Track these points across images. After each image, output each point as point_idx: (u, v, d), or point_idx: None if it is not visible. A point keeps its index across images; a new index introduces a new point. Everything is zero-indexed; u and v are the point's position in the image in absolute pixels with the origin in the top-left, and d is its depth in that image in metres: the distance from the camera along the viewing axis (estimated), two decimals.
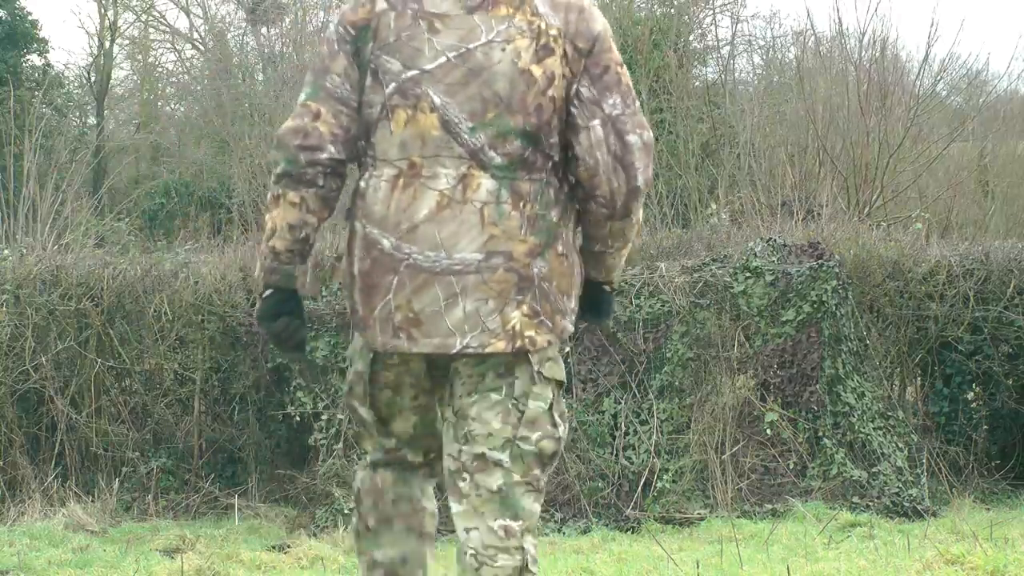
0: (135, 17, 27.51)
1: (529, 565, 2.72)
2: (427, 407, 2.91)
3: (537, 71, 2.73)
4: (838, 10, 32.35)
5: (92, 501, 7.52)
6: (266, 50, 23.83)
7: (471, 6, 2.75)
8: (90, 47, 31.85)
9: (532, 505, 2.76)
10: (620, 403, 7.61)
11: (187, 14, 27.35)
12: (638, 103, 2.83)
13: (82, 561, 6.16)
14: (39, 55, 22.83)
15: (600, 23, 2.85)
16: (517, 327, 2.72)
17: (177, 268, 8.13)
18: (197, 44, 27.46)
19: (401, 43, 2.74)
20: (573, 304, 2.84)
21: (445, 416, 2.85)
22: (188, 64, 27.61)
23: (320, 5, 23.91)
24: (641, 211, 2.88)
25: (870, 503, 7.23)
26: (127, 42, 27.83)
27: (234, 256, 8.33)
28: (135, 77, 28.30)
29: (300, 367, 7.62)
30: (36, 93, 20.25)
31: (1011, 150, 17.23)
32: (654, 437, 7.53)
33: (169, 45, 28.36)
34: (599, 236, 2.86)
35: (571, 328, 2.85)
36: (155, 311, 7.92)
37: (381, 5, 2.77)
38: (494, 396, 2.76)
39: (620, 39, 16.49)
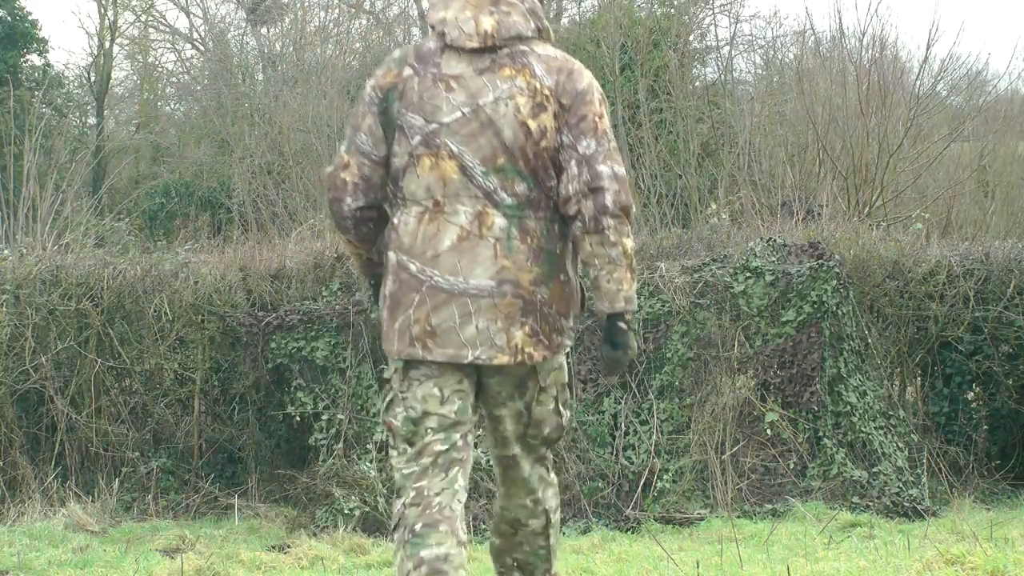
0: (135, 17, 27.52)
1: (552, 521, 3.52)
2: (463, 401, 3.34)
3: (532, 125, 3.24)
4: (838, 10, 32.44)
5: (92, 501, 7.52)
6: (266, 50, 23.83)
7: (480, 68, 3.27)
8: (90, 47, 31.87)
9: (545, 472, 3.50)
10: (620, 403, 7.61)
11: (187, 14, 27.35)
12: (614, 143, 3.28)
13: (82, 561, 6.17)
14: (39, 55, 22.83)
15: (585, 82, 3.30)
16: (519, 344, 3.25)
17: (177, 268, 8.12)
18: (197, 44, 27.46)
19: (423, 101, 3.27)
20: (571, 323, 3.37)
21: (482, 417, 3.48)
22: (188, 64, 27.61)
23: (320, 5, 23.91)
24: (626, 239, 3.25)
25: (870, 503, 7.23)
26: (127, 42, 27.83)
27: (234, 256, 8.33)
28: (135, 77, 28.29)
29: (300, 367, 7.64)
30: (36, 93, 20.27)
31: (1011, 150, 17.23)
32: (654, 437, 7.53)
33: (169, 45, 28.36)
34: (586, 257, 3.29)
35: (568, 343, 3.38)
36: (155, 311, 7.92)
37: (407, 71, 3.31)
38: (512, 405, 3.39)
39: (620, 39, 16.51)
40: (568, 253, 3.34)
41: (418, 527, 3.25)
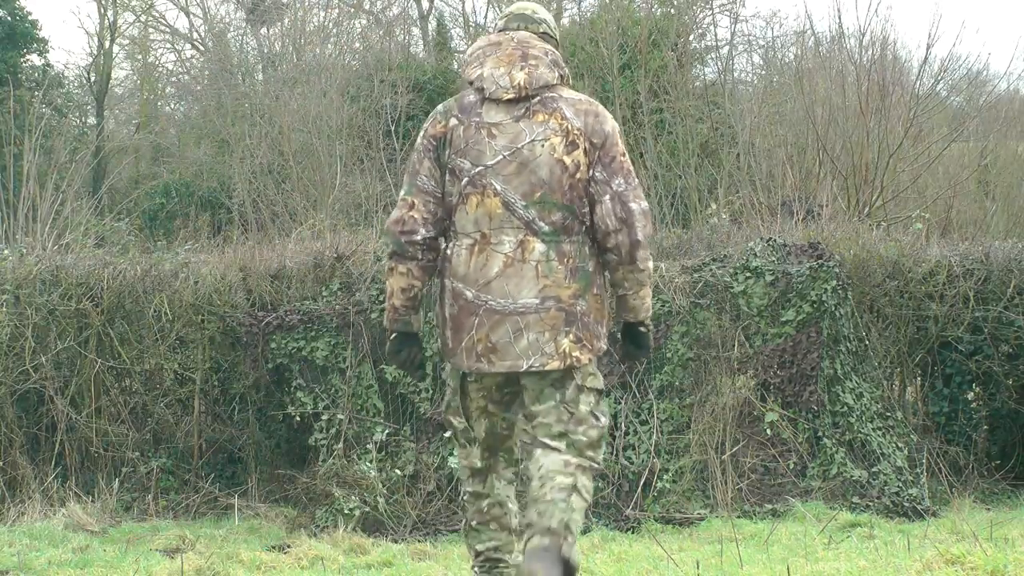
0: (135, 17, 27.51)
1: (580, 489, 3.76)
2: (494, 415, 3.95)
3: (567, 160, 3.77)
4: (838, 10, 32.41)
5: (92, 501, 7.52)
6: (266, 50, 23.83)
7: (517, 116, 3.81)
8: (90, 47, 31.87)
9: (587, 482, 3.79)
10: (620, 403, 7.61)
11: (187, 14, 27.35)
12: (637, 181, 3.84)
13: (82, 561, 6.16)
14: (39, 55, 22.82)
15: (610, 124, 3.85)
16: (566, 350, 3.76)
17: (177, 268, 8.12)
18: (197, 44, 27.46)
19: (469, 147, 3.81)
20: (604, 330, 3.86)
21: (519, 419, 3.94)
22: (188, 64, 27.62)
23: (320, 5, 23.91)
24: (650, 262, 3.85)
25: (870, 503, 7.23)
26: (127, 42, 27.83)
27: (234, 256, 8.32)
28: (135, 77, 28.29)
29: (300, 372, 7.64)
30: (36, 93, 20.26)
31: (1011, 150, 17.23)
32: (654, 437, 7.53)
33: (169, 45, 28.37)
34: (617, 281, 3.86)
35: (604, 347, 3.87)
36: (155, 311, 7.92)
37: (453, 122, 3.85)
38: (551, 402, 3.82)
39: (620, 39, 16.51)
40: (598, 270, 3.87)
41: (474, 523, 4.04)
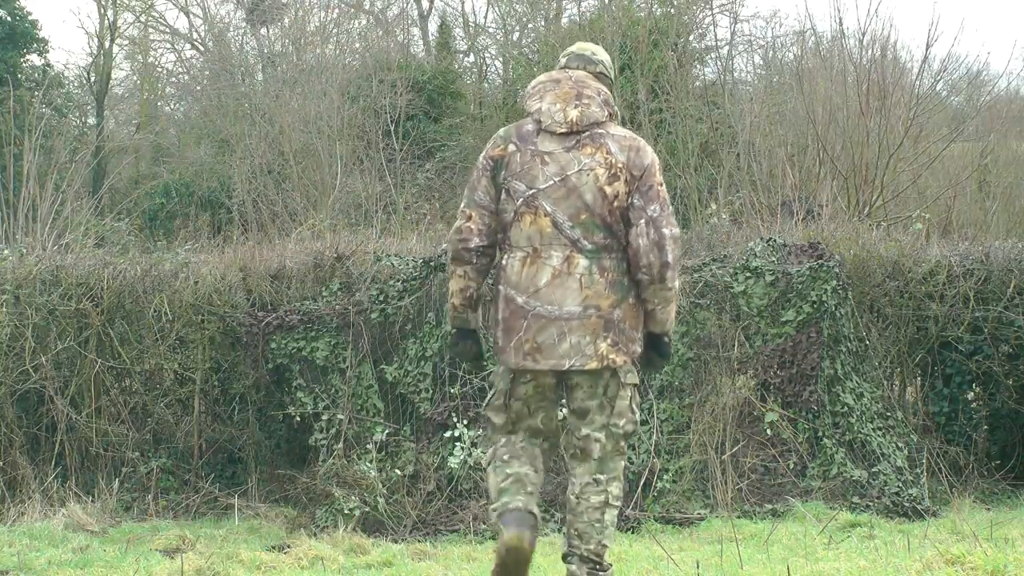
0: (135, 17, 27.52)
1: (611, 501, 4.35)
2: (548, 409, 4.41)
3: (609, 190, 4.26)
4: (838, 10, 32.43)
5: (92, 501, 7.52)
6: (266, 50, 23.83)
7: (568, 147, 4.32)
8: (90, 47, 31.88)
9: (619, 464, 4.41)
10: None
11: (187, 14, 27.35)
12: (671, 208, 4.31)
13: (82, 561, 6.17)
14: (39, 55, 22.82)
15: (649, 158, 4.33)
16: (604, 352, 4.25)
17: (177, 268, 8.12)
18: (197, 44, 27.46)
19: (524, 172, 4.32)
20: (639, 335, 4.36)
21: (569, 420, 4.42)
22: (188, 64, 27.62)
23: (320, 5, 23.91)
24: (677, 282, 4.30)
25: (870, 503, 7.23)
26: (127, 42, 27.83)
27: (234, 256, 8.32)
28: (135, 77, 28.30)
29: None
30: (36, 93, 20.26)
31: (1011, 150, 17.22)
32: (654, 437, 7.53)
33: (169, 45, 28.37)
34: (647, 297, 4.32)
35: (638, 350, 4.37)
36: (155, 311, 7.92)
37: (511, 147, 4.36)
38: (595, 400, 4.34)
39: (620, 39, 16.50)
40: (633, 285, 4.32)
41: (506, 456, 4.37)
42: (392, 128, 18.08)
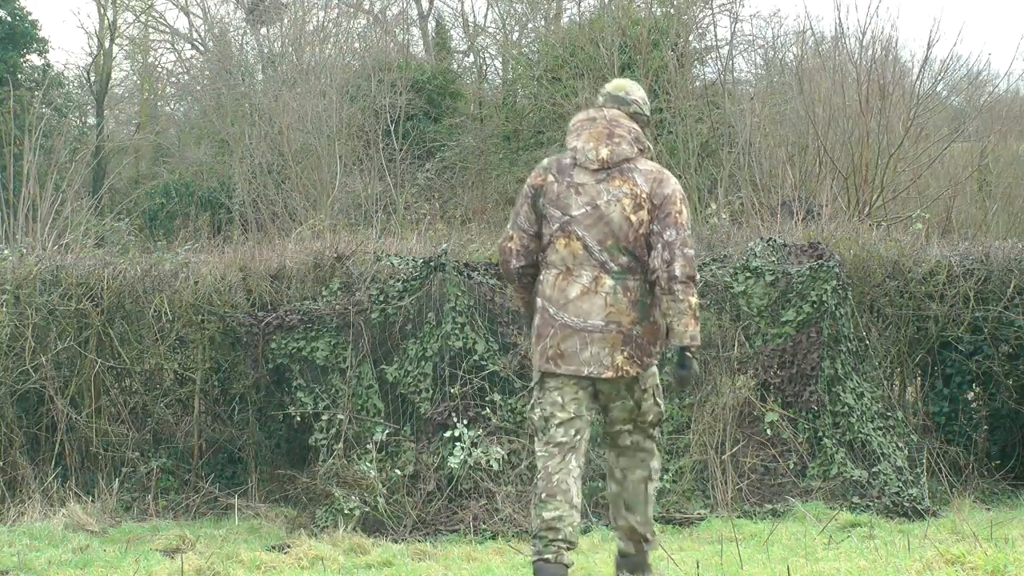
0: (135, 17, 27.52)
1: (652, 475, 4.98)
2: (579, 404, 4.89)
3: (633, 218, 4.80)
4: (839, 10, 32.40)
5: (92, 501, 7.52)
6: (265, 50, 23.83)
7: (599, 179, 4.86)
8: (90, 47, 31.86)
9: (650, 445, 5.00)
10: None
11: (187, 14, 27.36)
12: (688, 231, 4.82)
13: (82, 561, 6.17)
14: (39, 55, 22.82)
15: (670, 188, 4.86)
16: (619, 363, 4.79)
17: (177, 268, 8.12)
18: (197, 44, 27.47)
19: (560, 200, 4.89)
20: (657, 349, 4.88)
21: (601, 418, 5.03)
22: (188, 64, 27.62)
23: (319, 5, 23.90)
24: (692, 297, 4.72)
25: (870, 503, 7.23)
26: (127, 42, 27.84)
27: (234, 256, 8.31)
28: (135, 77, 28.30)
29: (301, 369, 7.65)
30: (36, 93, 20.25)
31: (1011, 150, 17.22)
32: None
33: (169, 45, 28.37)
34: (664, 308, 4.77)
35: (654, 361, 4.89)
36: (155, 311, 7.92)
37: (550, 178, 4.93)
38: (619, 400, 4.91)
39: (620, 39, 16.51)
40: (655, 304, 4.83)
41: (543, 496, 4.81)
42: (392, 128, 18.08)
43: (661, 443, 5.04)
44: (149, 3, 27.12)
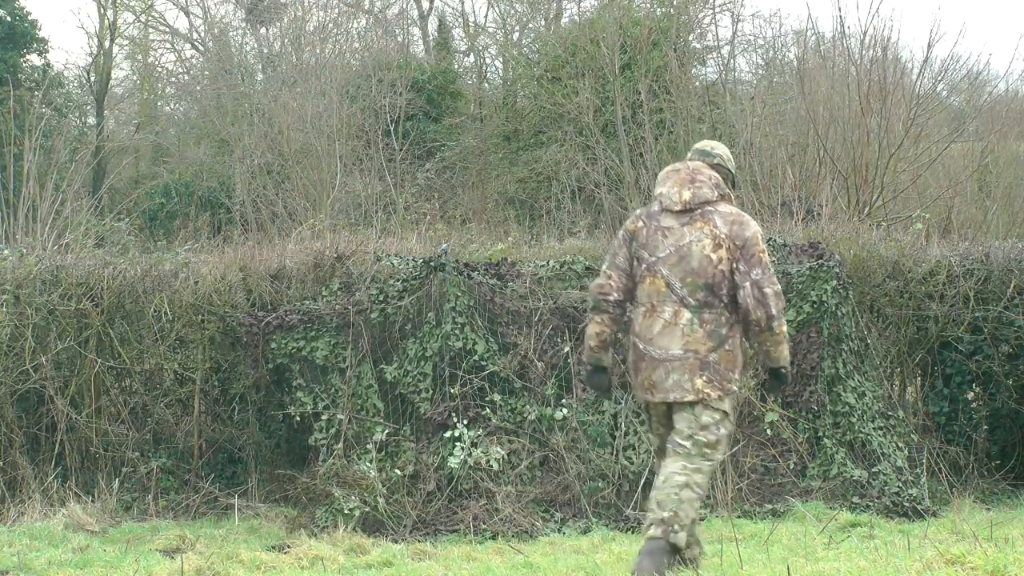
0: (135, 17, 27.53)
1: (692, 485, 5.19)
2: (662, 429, 5.45)
3: (713, 257, 5.26)
4: (839, 10, 32.41)
5: (92, 501, 7.52)
6: (265, 50, 23.83)
7: (683, 222, 5.34)
8: (90, 47, 31.88)
9: (702, 463, 5.26)
10: (620, 403, 7.61)
11: (187, 14, 27.36)
12: (771, 269, 5.29)
13: (82, 561, 6.16)
14: (39, 55, 22.83)
15: (751, 230, 5.31)
16: (699, 387, 5.26)
17: (177, 268, 8.12)
18: (197, 44, 27.47)
19: (649, 243, 5.39)
20: (736, 375, 5.34)
21: (671, 430, 5.41)
22: (188, 64, 27.63)
23: (319, 4, 23.91)
24: (784, 327, 5.28)
25: (870, 503, 7.23)
26: (127, 42, 27.84)
27: (234, 256, 8.31)
28: (135, 77, 28.31)
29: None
30: (36, 93, 20.26)
31: (1011, 150, 17.21)
32: None
33: (169, 45, 28.37)
34: (760, 341, 5.31)
35: (734, 388, 5.34)
36: (155, 311, 7.92)
37: (640, 224, 5.43)
38: (686, 417, 5.30)
39: (620, 39, 16.50)
40: (732, 332, 5.30)
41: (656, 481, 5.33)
42: (392, 128, 18.08)
43: (714, 470, 5.43)
44: (149, 3, 27.13)
